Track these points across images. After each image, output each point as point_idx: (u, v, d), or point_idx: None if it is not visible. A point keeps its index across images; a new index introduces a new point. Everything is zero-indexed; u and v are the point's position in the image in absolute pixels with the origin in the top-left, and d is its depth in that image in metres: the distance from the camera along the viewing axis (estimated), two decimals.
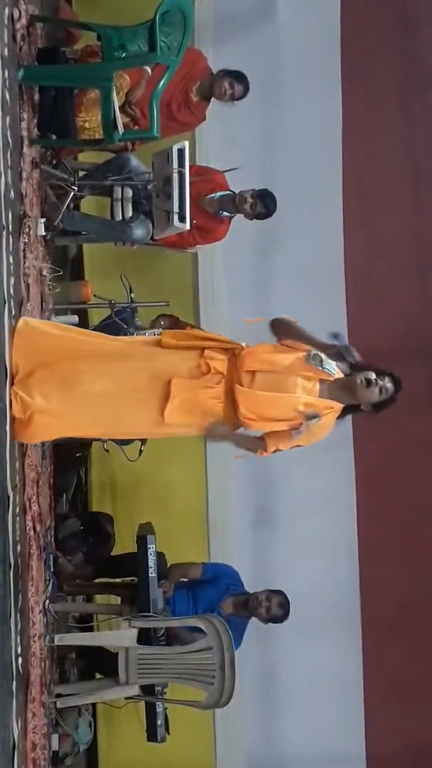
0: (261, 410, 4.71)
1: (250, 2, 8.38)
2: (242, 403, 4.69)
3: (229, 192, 7.23)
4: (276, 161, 8.17)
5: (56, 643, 5.90)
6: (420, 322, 8.26)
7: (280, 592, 6.66)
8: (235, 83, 7.02)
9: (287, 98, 8.20)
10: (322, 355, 4.71)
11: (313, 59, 8.25)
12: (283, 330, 4.82)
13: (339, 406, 4.77)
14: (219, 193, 7.22)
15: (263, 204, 7.14)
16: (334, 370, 4.75)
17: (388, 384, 4.73)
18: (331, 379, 4.75)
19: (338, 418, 4.82)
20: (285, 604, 6.63)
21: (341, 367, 4.79)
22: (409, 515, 8.12)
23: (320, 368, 4.71)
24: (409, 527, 8.13)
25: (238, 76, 7.03)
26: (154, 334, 6.32)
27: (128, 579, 6.74)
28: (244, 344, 4.81)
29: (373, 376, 4.70)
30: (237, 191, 7.19)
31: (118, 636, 5.98)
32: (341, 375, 4.79)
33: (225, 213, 7.23)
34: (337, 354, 4.71)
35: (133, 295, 7.03)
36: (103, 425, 4.91)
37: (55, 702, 5.95)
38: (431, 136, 8.28)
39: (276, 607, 6.60)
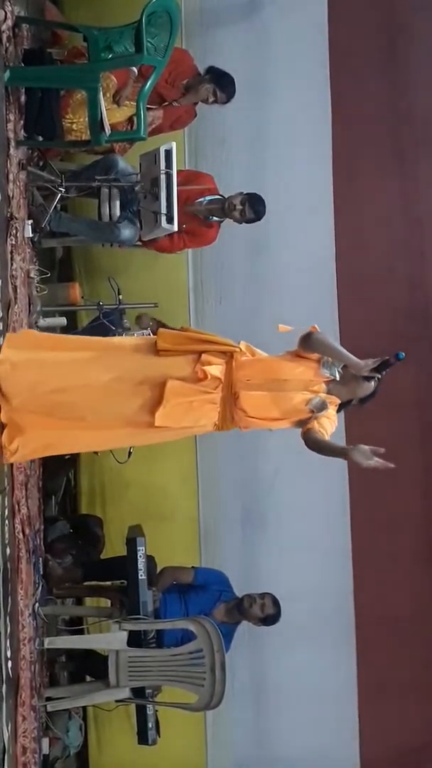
0: (266, 411, 4.61)
1: (237, 1, 8.37)
2: (248, 408, 4.58)
3: (218, 197, 7.21)
4: (265, 159, 8.14)
5: (46, 646, 5.88)
6: (409, 322, 8.25)
7: (270, 594, 6.63)
8: (218, 91, 7.01)
9: (276, 95, 8.17)
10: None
11: (301, 56, 8.22)
12: (317, 348, 4.61)
13: (337, 401, 4.71)
14: (208, 198, 7.20)
15: (252, 209, 7.11)
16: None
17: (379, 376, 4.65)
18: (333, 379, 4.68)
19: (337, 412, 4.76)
20: (278, 603, 6.60)
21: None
22: (403, 517, 8.09)
23: (330, 375, 4.65)
24: (403, 529, 8.10)
25: (223, 83, 7.01)
26: (143, 335, 6.30)
27: (118, 582, 6.72)
28: (242, 346, 4.68)
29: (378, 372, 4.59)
30: (226, 196, 7.16)
31: (108, 639, 5.97)
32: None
33: (214, 218, 7.20)
34: (381, 366, 4.57)
35: (121, 296, 7.02)
36: (95, 444, 4.89)
37: (45, 705, 5.94)
38: (420, 131, 8.26)
39: (271, 605, 6.57)
